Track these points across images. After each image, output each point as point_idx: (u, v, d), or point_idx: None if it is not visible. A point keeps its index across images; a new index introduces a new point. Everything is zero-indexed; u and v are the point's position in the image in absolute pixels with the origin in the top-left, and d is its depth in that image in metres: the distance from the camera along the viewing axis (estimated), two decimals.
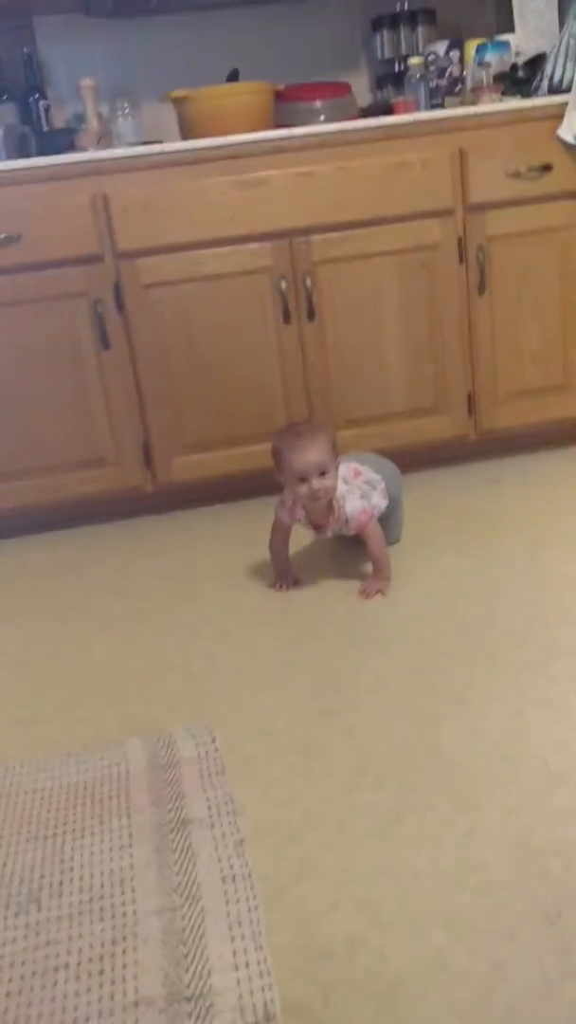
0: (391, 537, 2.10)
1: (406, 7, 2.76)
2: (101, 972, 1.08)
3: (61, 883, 1.23)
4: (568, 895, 1.11)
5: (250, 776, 1.41)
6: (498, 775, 1.33)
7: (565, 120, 2.40)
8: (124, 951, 1.11)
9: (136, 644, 1.89)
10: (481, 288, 2.50)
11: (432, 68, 2.60)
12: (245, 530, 2.40)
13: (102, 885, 1.22)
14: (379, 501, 2.01)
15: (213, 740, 1.51)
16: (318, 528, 1.99)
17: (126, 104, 2.62)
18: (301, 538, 2.16)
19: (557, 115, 2.41)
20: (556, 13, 2.61)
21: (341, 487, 1.92)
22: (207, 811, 1.34)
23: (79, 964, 1.10)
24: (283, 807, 1.33)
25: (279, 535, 2.03)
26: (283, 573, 2.06)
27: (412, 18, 2.76)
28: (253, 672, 1.72)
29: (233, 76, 2.59)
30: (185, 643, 1.87)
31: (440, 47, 2.59)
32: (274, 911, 1.14)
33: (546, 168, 2.43)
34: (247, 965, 1.07)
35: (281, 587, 2.04)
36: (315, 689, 1.64)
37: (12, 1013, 1.04)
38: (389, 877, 1.17)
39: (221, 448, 2.52)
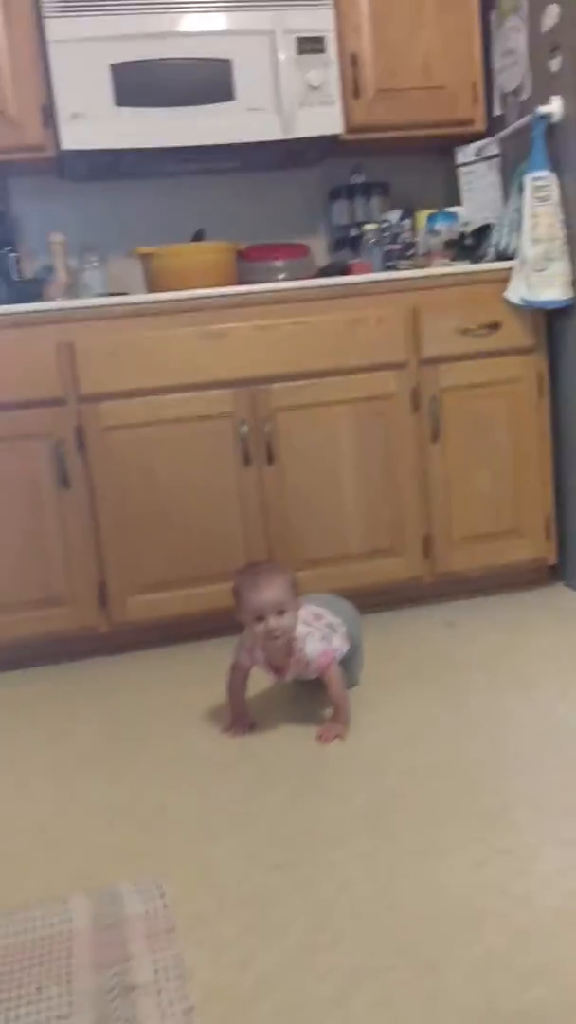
0: (351, 680, 2.08)
1: (361, 179, 2.97)
2: None
3: None
4: None
5: (201, 935, 1.34)
6: (461, 933, 1.28)
7: (511, 283, 2.56)
8: None
9: (83, 792, 1.81)
10: (435, 436, 2.59)
11: (386, 234, 2.78)
12: (201, 672, 2.36)
13: None
14: (340, 644, 2.00)
15: (162, 895, 1.43)
16: (277, 671, 1.97)
17: (94, 258, 2.74)
18: (258, 681, 2.12)
19: (503, 279, 2.57)
20: (499, 190, 2.83)
21: (301, 629, 1.91)
22: (153, 975, 1.26)
23: None
24: (235, 970, 1.26)
25: (237, 677, 2.00)
26: (239, 716, 2.02)
27: (367, 189, 2.97)
28: (206, 821, 1.66)
29: (199, 235, 2.74)
30: (135, 790, 1.80)
31: (394, 215, 2.78)
32: None
33: (494, 326, 2.57)
34: None
35: (237, 731, 1.99)
36: (271, 839, 1.57)
37: None
38: None
39: (178, 588, 2.51)
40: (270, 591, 1.84)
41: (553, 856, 1.44)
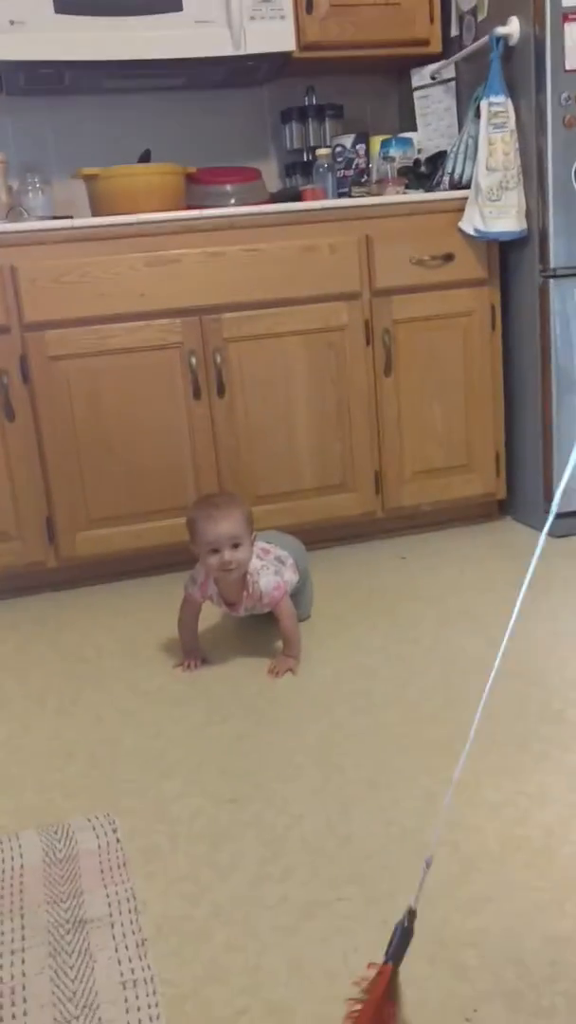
0: (301, 614, 2.08)
1: (314, 101, 2.87)
2: None
3: None
4: (484, 991, 1.07)
5: (154, 869, 1.34)
6: (411, 863, 1.30)
7: (466, 213, 2.52)
8: None
9: (34, 728, 1.80)
10: (387, 370, 2.56)
11: (339, 159, 2.70)
12: (151, 607, 2.34)
13: None
14: (291, 576, 2.00)
15: (115, 830, 1.44)
16: (231, 606, 1.96)
17: (36, 179, 2.62)
18: (209, 616, 2.12)
19: (458, 208, 2.52)
20: (455, 115, 2.76)
21: (255, 563, 1.90)
22: (107, 909, 1.26)
23: None
24: (188, 902, 1.27)
25: (189, 612, 1.99)
26: (191, 652, 2.01)
27: (320, 112, 2.87)
28: (158, 756, 1.66)
29: (145, 157, 2.63)
30: (87, 726, 1.79)
31: (347, 140, 2.70)
32: (178, 1019, 1.07)
33: (448, 257, 2.53)
34: None
35: (188, 666, 1.99)
36: (222, 774, 1.58)
37: None
38: (301, 978, 1.12)
39: (127, 523, 2.47)
40: (226, 523, 1.82)
41: (500, 786, 1.47)
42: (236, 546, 1.84)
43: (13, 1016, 1.09)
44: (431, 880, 1.23)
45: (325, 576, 2.37)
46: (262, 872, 1.31)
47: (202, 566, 1.91)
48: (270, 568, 1.93)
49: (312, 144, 2.86)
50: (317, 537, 2.53)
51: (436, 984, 1.09)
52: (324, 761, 1.59)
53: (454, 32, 2.72)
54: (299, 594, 2.09)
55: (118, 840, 1.41)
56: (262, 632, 2.10)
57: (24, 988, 1.13)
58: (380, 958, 1.03)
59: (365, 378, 2.56)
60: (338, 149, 2.71)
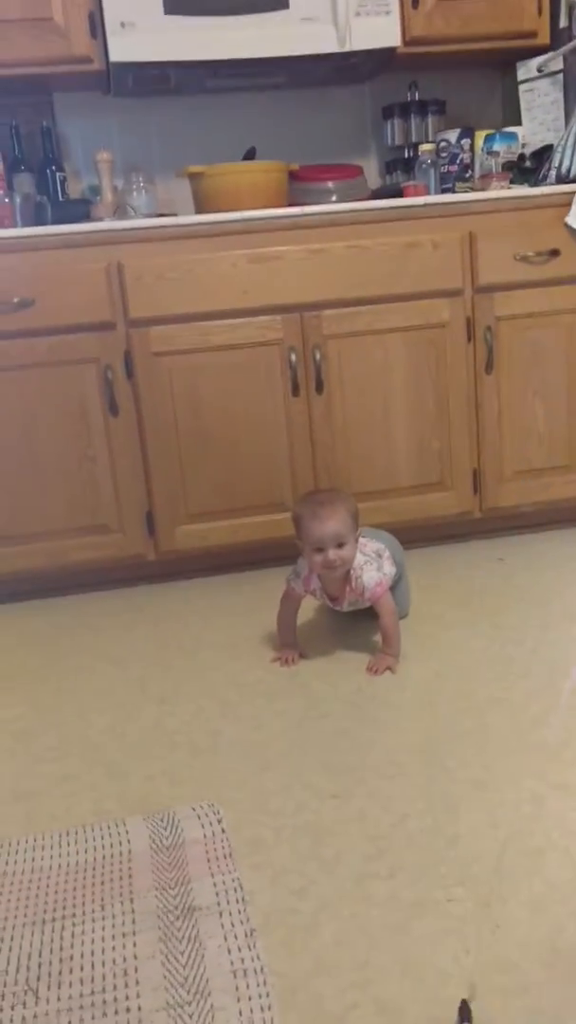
0: (400, 611, 2.06)
1: (416, 97, 2.84)
2: None
3: (60, 972, 1.16)
4: None
5: (259, 860, 1.35)
6: (521, 867, 1.28)
7: (573, 208, 2.46)
8: None
9: (137, 716, 1.83)
10: (488, 367, 2.52)
11: (443, 155, 2.67)
12: (247, 602, 2.36)
13: (104, 976, 1.15)
14: (389, 569, 1.98)
15: (220, 820, 1.45)
16: (333, 600, 1.96)
17: (140, 178, 2.66)
18: (305, 612, 2.12)
19: (564, 203, 2.46)
20: (562, 108, 2.70)
21: (359, 559, 1.89)
22: (215, 898, 1.27)
23: None
24: (295, 895, 1.27)
25: (289, 606, 2.00)
26: (289, 645, 2.02)
27: (422, 108, 2.84)
28: (259, 749, 1.67)
29: (250, 154, 2.65)
30: (188, 716, 1.81)
31: (451, 135, 2.66)
32: (288, 1011, 1.07)
33: (554, 253, 2.47)
34: None
35: (286, 661, 1.99)
36: (324, 769, 1.58)
37: None
38: (411, 976, 1.11)
39: (225, 518, 2.49)
40: (331, 523, 1.82)
41: None
42: (341, 545, 1.83)
43: (127, 997, 1.11)
44: (544, 883, 1.21)
45: (422, 576, 2.35)
46: (368, 869, 1.31)
47: (306, 561, 1.91)
48: (373, 563, 1.92)
49: (414, 140, 2.83)
50: (413, 536, 2.51)
51: (555, 990, 1.06)
52: (428, 760, 1.57)
53: (562, 24, 2.66)
54: (396, 589, 2.07)
55: (223, 830, 1.42)
56: (359, 629, 2.09)
57: (136, 971, 1.15)
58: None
59: (465, 376, 2.53)
60: (442, 144, 2.67)
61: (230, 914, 1.24)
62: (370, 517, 2.40)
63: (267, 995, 1.09)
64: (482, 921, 1.18)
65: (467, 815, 1.41)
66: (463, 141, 2.66)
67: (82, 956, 1.18)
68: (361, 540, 1.99)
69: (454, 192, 2.62)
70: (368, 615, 2.05)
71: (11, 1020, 1.09)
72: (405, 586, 2.14)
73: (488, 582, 2.37)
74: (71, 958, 1.18)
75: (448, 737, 1.64)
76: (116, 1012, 1.09)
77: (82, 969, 1.16)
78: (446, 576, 2.42)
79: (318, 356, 2.43)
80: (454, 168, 2.66)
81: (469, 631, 2.08)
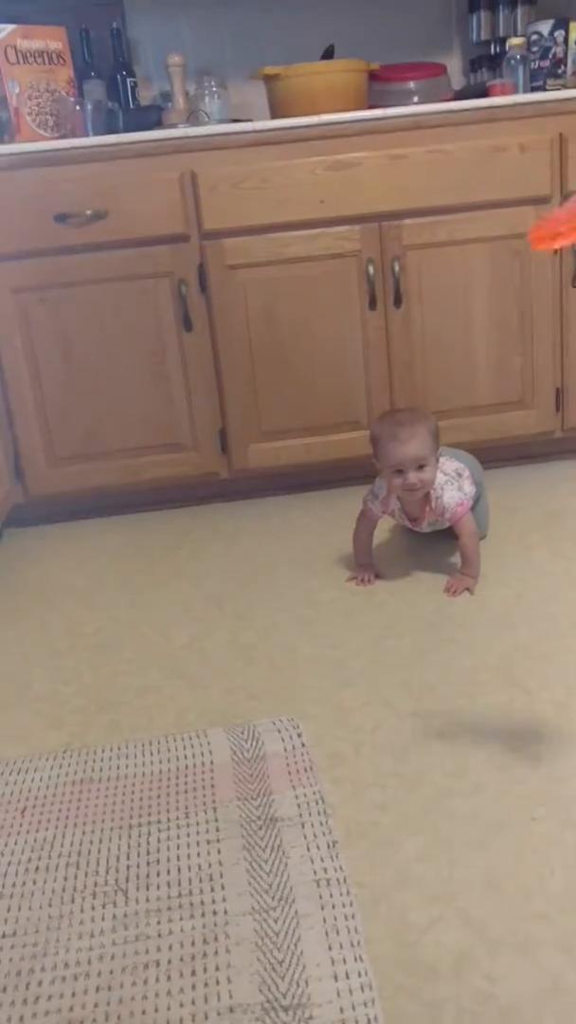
0: (479, 532, 2.02)
1: None
2: (193, 973, 1.04)
3: (148, 875, 1.19)
4: None
5: (340, 774, 1.36)
6: None
7: None
8: (216, 952, 1.06)
9: (214, 631, 1.85)
10: (575, 280, 2.41)
11: (534, 49, 2.51)
12: (320, 521, 2.34)
13: (190, 880, 1.17)
14: (469, 489, 1.94)
15: (300, 735, 1.46)
16: (413, 520, 1.93)
17: (212, 82, 2.57)
18: (381, 532, 2.10)
19: None
20: None
21: (440, 478, 1.85)
22: (296, 809, 1.29)
23: (170, 962, 1.05)
24: (376, 810, 1.28)
25: (365, 526, 1.97)
26: (365, 565, 2.00)
27: None
28: (337, 666, 1.67)
29: (328, 53, 2.52)
30: (265, 632, 1.82)
31: (544, 27, 2.49)
32: (371, 920, 1.09)
33: None
34: (347, 976, 1.01)
35: (362, 580, 1.98)
36: (403, 687, 1.57)
37: (102, 1008, 1.00)
38: (495, 892, 1.11)
39: (299, 436, 2.46)
40: (412, 445, 1.77)
41: None
42: (422, 467, 1.79)
43: (213, 900, 1.14)
44: None
45: (501, 496, 2.30)
46: (450, 786, 1.31)
47: (385, 482, 1.88)
48: (453, 483, 1.88)
49: (501, 34, 2.67)
50: (492, 456, 2.45)
51: None
52: (508, 681, 1.55)
53: None
54: (475, 509, 2.03)
55: (303, 744, 1.44)
56: (436, 550, 2.06)
57: (222, 876, 1.18)
58: None
59: (550, 289, 2.42)
60: (533, 38, 2.51)
61: (312, 825, 1.25)
62: (448, 436, 2.33)
63: (351, 904, 1.11)
64: (566, 841, 1.17)
65: (549, 737, 1.39)
66: (556, 33, 2.48)
67: (168, 860, 1.21)
68: (441, 460, 1.94)
69: (545, 90, 2.47)
70: (444, 536, 2.01)
71: (103, 917, 1.13)
72: (484, 506, 2.09)
73: (570, 503, 2.31)
74: (158, 861, 1.21)
75: (529, 659, 1.62)
76: (203, 914, 1.12)
77: (168, 872, 1.19)
78: (526, 497, 2.37)
79: (397, 268, 2.35)
80: (545, 64, 2.50)
81: (550, 553, 2.03)
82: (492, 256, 2.37)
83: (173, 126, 2.42)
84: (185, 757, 1.43)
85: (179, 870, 1.19)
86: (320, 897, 1.12)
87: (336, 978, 1.01)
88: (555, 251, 0.94)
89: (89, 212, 2.22)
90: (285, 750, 1.43)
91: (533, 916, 1.06)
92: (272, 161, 2.25)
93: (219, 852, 1.22)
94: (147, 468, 2.43)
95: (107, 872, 1.20)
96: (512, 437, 2.51)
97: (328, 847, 1.21)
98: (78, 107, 2.37)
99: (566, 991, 0.97)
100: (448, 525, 1.91)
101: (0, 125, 2.39)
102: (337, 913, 1.10)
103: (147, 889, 1.17)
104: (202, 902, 1.14)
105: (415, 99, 2.50)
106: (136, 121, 2.40)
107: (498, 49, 2.67)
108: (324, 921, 1.09)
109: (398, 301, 2.38)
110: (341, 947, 1.05)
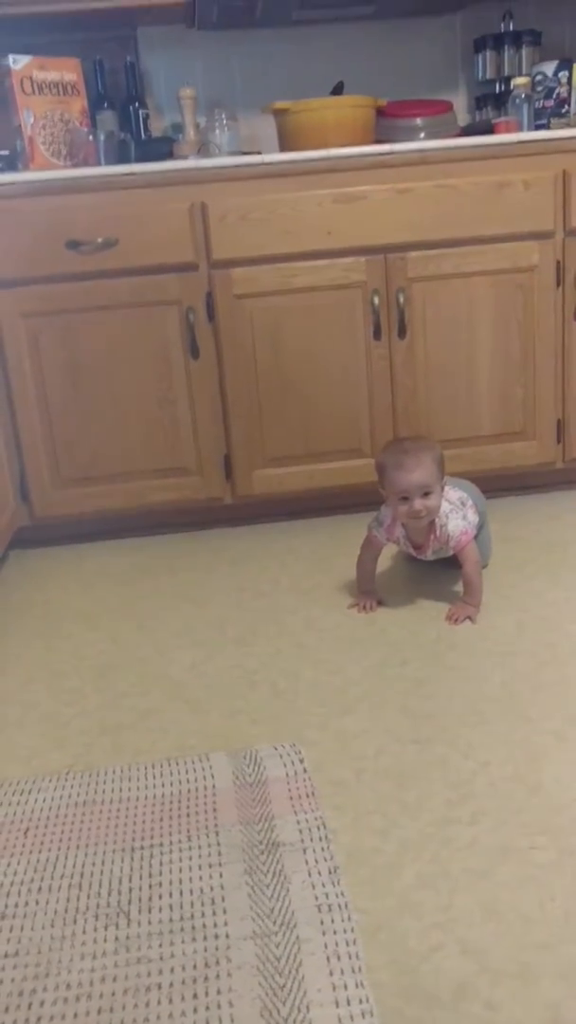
0: (482, 560, 2.04)
1: (511, 27, 2.72)
2: (195, 996, 1.04)
3: (150, 898, 1.20)
4: None
5: (341, 801, 1.37)
6: None
7: None
8: (218, 975, 1.07)
9: (217, 656, 1.86)
10: None
11: (539, 89, 2.56)
12: (323, 548, 2.36)
13: (192, 904, 1.18)
14: (472, 517, 1.96)
15: (301, 760, 1.47)
16: (418, 548, 1.95)
17: (223, 115, 2.62)
18: (384, 559, 2.11)
19: None
20: None
21: (444, 507, 1.87)
22: (298, 835, 1.30)
23: (171, 985, 1.06)
24: (377, 837, 1.28)
25: (370, 553, 1.99)
26: (368, 592, 2.01)
27: (516, 39, 2.73)
28: (339, 692, 1.68)
29: (338, 89, 2.58)
30: (267, 658, 1.83)
31: (548, 67, 2.55)
32: (372, 947, 1.09)
33: None
34: (348, 1002, 1.01)
35: (364, 607, 1.99)
36: (405, 715, 1.58)
37: None
38: (495, 920, 1.11)
39: (302, 463, 2.49)
40: (417, 472, 1.80)
41: None
42: (427, 494, 1.81)
43: (215, 924, 1.14)
44: None
45: (502, 526, 2.32)
46: (450, 814, 1.31)
47: (390, 509, 1.90)
48: (458, 511, 1.90)
49: (507, 74, 2.73)
50: (494, 485, 2.47)
51: None
52: (509, 710, 1.57)
53: None
54: (478, 538, 2.04)
55: (305, 770, 1.44)
56: (438, 578, 2.08)
57: (224, 900, 1.18)
58: None
59: (553, 322, 2.45)
60: (537, 78, 2.57)
61: (314, 851, 1.26)
62: (451, 465, 2.35)
63: (352, 930, 1.11)
64: (567, 870, 1.18)
65: (549, 765, 1.40)
66: (560, 74, 2.54)
67: (170, 883, 1.22)
68: (445, 488, 1.96)
69: (548, 129, 2.52)
70: (446, 564, 2.03)
71: (105, 939, 1.13)
72: (487, 535, 2.11)
73: (570, 533, 2.33)
74: (160, 884, 1.22)
75: (530, 688, 1.63)
76: (205, 938, 1.12)
77: (171, 896, 1.20)
78: (527, 527, 2.39)
79: (402, 299, 2.39)
80: (549, 103, 2.55)
81: (551, 582, 2.05)
82: (496, 289, 2.41)
83: (184, 157, 2.47)
84: (188, 781, 1.44)
85: (181, 893, 1.20)
86: (321, 923, 1.13)
87: (337, 1004, 1.01)
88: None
89: (100, 240, 2.26)
90: (287, 775, 1.43)
91: (533, 944, 1.07)
92: (281, 193, 2.29)
93: (221, 876, 1.23)
94: (152, 492, 2.45)
95: (109, 894, 1.21)
96: (514, 467, 2.54)
97: (329, 873, 1.21)
98: (91, 137, 2.41)
99: (567, 1021, 0.97)
100: (452, 553, 1.92)
101: (15, 154, 2.43)
102: (338, 939, 1.10)
103: (149, 912, 1.17)
104: (204, 925, 1.14)
105: (422, 135, 2.55)
106: (148, 152, 2.45)
107: (503, 88, 2.73)
108: (325, 947, 1.09)
109: (402, 332, 2.41)
110: (342, 973, 1.05)
